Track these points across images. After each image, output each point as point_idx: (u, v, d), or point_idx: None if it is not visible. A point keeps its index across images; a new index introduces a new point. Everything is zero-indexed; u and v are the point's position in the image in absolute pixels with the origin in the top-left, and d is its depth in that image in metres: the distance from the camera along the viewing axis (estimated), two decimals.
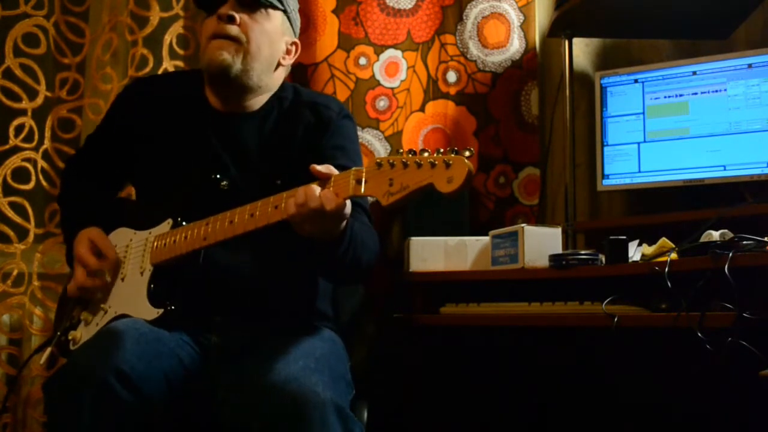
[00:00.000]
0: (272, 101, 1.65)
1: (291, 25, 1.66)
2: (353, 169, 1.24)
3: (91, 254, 1.57)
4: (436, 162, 1.12)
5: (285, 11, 1.63)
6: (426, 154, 1.15)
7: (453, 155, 1.12)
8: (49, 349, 1.63)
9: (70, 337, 1.58)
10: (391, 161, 1.17)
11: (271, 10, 1.60)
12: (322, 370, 1.33)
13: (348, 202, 1.28)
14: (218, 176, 1.57)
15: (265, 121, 1.63)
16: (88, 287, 1.56)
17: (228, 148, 1.60)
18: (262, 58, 1.59)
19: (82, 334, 1.57)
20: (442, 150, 1.15)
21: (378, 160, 1.19)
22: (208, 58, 1.56)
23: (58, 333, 1.62)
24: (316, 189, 1.26)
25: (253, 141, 1.61)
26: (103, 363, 1.27)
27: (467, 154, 1.12)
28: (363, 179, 1.21)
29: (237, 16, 1.55)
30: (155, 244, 1.54)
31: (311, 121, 1.63)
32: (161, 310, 1.46)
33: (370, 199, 1.54)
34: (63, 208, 1.79)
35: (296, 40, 1.69)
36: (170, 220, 1.54)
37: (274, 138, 1.61)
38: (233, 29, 1.55)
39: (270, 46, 1.60)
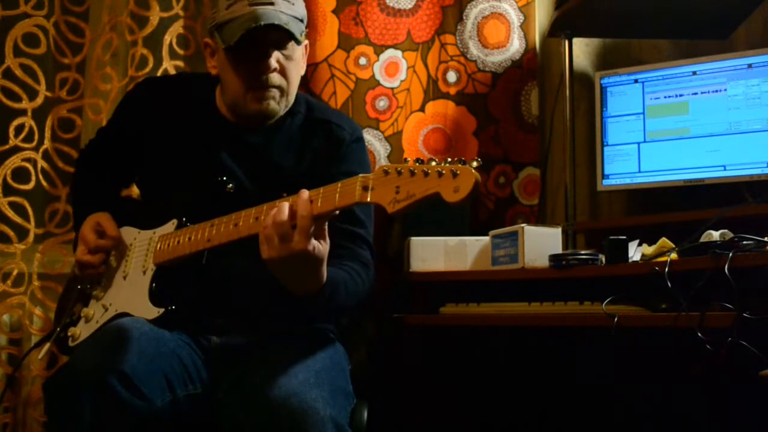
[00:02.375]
0: (285, 115, 1.62)
1: (305, 25, 1.61)
2: (360, 175, 1.22)
3: (92, 232, 1.59)
4: (444, 171, 1.12)
5: (303, 21, 1.57)
6: (433, 164, 1.15)
7: (460, 165, 1.12)
8: (47, 345, 1.63)
9: (69, 334, 1.58)
10: (398, 169, 1.17)
11: None
12: (322, 385, 1.33)
13: (320, 246, 1.27)
14: (225, 178, 1.57)
15: (276, 135, 1.61)
16: (85, 261, 1.58)
17: (237, 159, 1.59)
18: (296, 87, 1.60)
19: (82, 331, 1.57)
20: (450, 159, 1.15)
21: (385, 168, 1.19)
22: (255, 109, 1.54)
23: (57, 329, 1.62)
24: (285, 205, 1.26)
25: (263, 154, 1.59)
26: (104, 363, 1.27)
27: (474, 164, 1.12)
28: (370, 186, 1.20)
29: (276, 63, 1.52)
30: (159, 244, 1.54)
31: (322, 142, 1.61)
32: (162, 310, 1.46)
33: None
34: (74, 199, 1.81)
35: (306, 42, 1.64)
36: (175, 221, 1.54)
37: (283, 153, 1.60)
38: (276, 78, 1.53)
39: (300, 71, 1.61)
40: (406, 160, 1.19)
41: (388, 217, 1.19)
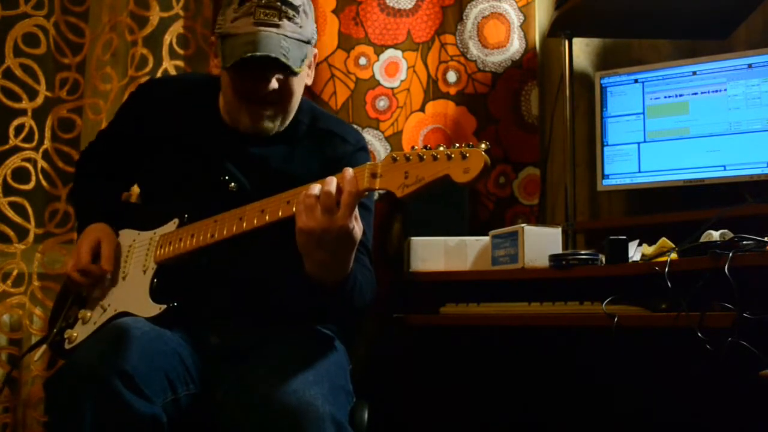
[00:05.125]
0: (288, 125, 1.61)
1: (313, 44, 1.57)
2: (368, 163, 1.23)
3: (89, 253, 1.57)
4: (453, 154, 1.13)
5: (309, 42, 1.53)
6: (441, 148, 1.15)
7: (469, 148, 1.13)
8: (42, 348, 1.63)
9: (65, 336, 1.57)
10: (406, 155, 1.18)
11: None
12: (321, 382, 1.33)
13: (358, 229, 1.26)
14: (227, 177, 1.56)
15: (279, 145, 1.60)
16: (73, 278, 1.58)
17: (239, 167, 1.58)
18: (296, 103, 1.57)
19: (79, 333, 1.56)
20: (457, 144, 1.15)
21: (393, 155, 1.19)
22: (247, 125, 1.53)
23: (54, 331, 1.61)
24: (332, 179, 1.25)
25: (265, 164, 1.58)
26: (106, 362, 1.27)
27: (483, 146, 1.12)
28: (378, 173, 1.21)
29: (275, 82, 1.48)
30: (160, 243, 1.53)
31: (326, 153, 1.60)
32: (163, 306, 1.46)
33: (379, 193, 1.52)
34: (77, 202, 1.80)
35: (315, 51, 1.60)
36: (176, 220, 1.54)
37: (286, 162, 1.59)
38: (274, 97, 1.50)
39: (301, 87, 1.56)
40: (414, 148, 1.19)
41: (398, 203, 1.20)
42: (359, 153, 1.63)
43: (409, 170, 1.17)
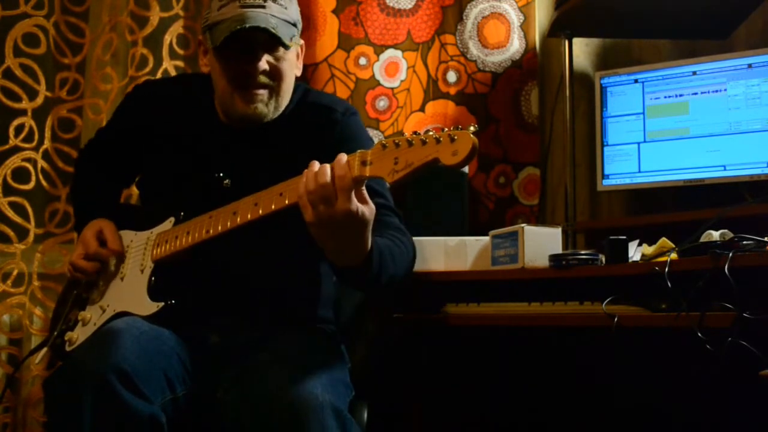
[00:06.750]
0: (281, 115, 1.62)
1: (299, 31, 1.61)
2: (358, 151, 1.23)
3: (95, 239, 1.60)
4: (441, 138, 1.14)
5: (295, 25, 1.58)
6: (431, 132, 1.16)
7: (458, 131, 1.13)
8: (44, 350, 1.63)
9: (66, 338, 1.57)
10: (396, 141, 1.18)
11: None
12: (321, 374, 1.33)
13: (363, 208, 1.25)
14: (221, 174, 1.57)
15: (270, 130, 1.60)
16: (80, 266, 1.59)
17: (232, 161, 1.59)
18: (289, 88, 1.59)
19: (79, 334, 1.57)
20: (446, 129, 1.15)
21: (383, 142, 1.20)
22: (242, 110, 1.54)
23: (54, 334, 1.61)
24: (326, 166, 1.25)
25: (258, 152, 1.59)
26: (104, 362, 1.27)
27: (472, 129, 1.13)
28: (368, 161, 1.21)
29: (265, 64, 1.52)
30: (157, 242, 1.54)
31: (316, 125, 1.60)
32: (161, 304, 1.46)
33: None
34: (75, 199, 1.82)
35: (302, 42, 1.64)
36: (172, 218, 1.54)
37: (278, 147, 1.60)
38: (264, 79, 1.53)
39: (292, 72, 1.59)
40: (403, 133, 1.20)
41: (390, 186, 1.19)
42: (350, 117, 1.63)
43: (398, 156, 1.17)
